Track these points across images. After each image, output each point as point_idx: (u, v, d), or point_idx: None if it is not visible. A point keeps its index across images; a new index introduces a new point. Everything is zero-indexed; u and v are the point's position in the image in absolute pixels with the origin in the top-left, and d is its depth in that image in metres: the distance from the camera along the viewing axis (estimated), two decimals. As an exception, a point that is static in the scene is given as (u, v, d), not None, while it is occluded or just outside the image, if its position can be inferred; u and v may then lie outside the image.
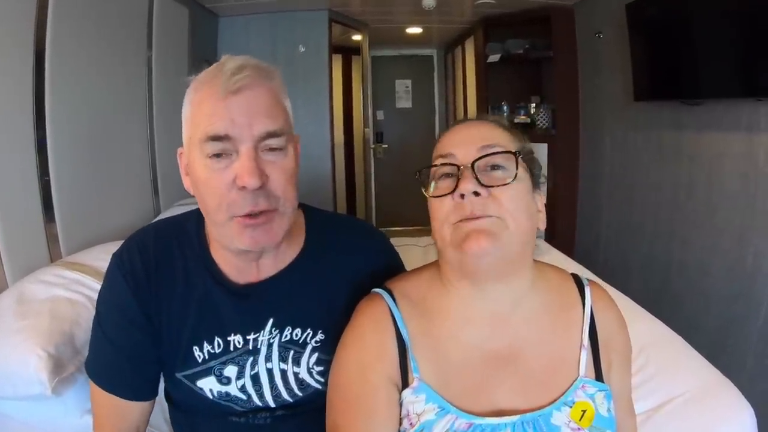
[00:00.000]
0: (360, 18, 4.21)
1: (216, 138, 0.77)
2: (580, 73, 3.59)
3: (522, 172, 0.78)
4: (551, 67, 3.71)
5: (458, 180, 0.75)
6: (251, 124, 0.78)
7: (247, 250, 0.83)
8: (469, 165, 0.75)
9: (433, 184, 0.80)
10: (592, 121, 3.49)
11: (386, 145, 5.79)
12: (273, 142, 0.80)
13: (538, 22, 3.67)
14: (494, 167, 0.77)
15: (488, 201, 0.74)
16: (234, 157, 0.78)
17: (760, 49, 1.90)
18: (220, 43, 3.52)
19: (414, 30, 4.81)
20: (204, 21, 3.24)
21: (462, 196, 0.74)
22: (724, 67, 2.10)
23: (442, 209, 0.77)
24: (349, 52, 5.27)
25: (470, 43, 4.51)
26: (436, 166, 0.80)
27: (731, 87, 2.10)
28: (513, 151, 0.77)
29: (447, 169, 0.78)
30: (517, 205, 0.75)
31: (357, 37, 4.64)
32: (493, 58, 3.92)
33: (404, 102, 6.10)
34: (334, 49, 3.97)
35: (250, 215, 0.79)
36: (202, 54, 3.10)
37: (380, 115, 5.96)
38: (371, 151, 5.17)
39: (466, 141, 0.79)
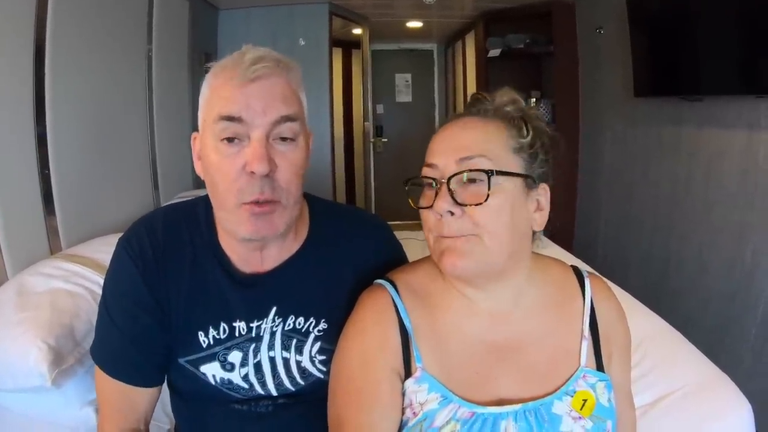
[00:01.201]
0: (360, 11, 4.20)
1: (229, 118, 0.79)
2: (581, 68, 3.58)
3: (505, 185, 0.76)
4: (551, 62, 3.71)
5: (436, 194, 0.76)
6: (265, 110, 0.79)
7: (249, 238, 0.84)
8: (444, 181, 0.75)
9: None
10: (592, 116, 3.49)
11: (386, 139, 5.78)
12: (286, 128, 0.81)
13: (539, 17, 3.66)
14: (472, 180, 0.75)
15: (463, 219, 0.74)
16: (246, 143, 0.80)
17: (761, 46, 1.90)
18: (220, 36, 3.51)
19: (414, 24, 4.79)
20: (204, 14, 3.23)
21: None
22: (724, 64, 2.10)
23: (428, 220, 0.79)
24: (349, 45, 5.26)
25: (471, 38, 4.50)
26: (421, 178, 0.80)
27: (732, 84, 2.10)
28: (486, 169, 0.75)
29: (430, 180, 0.79)
30: (495, 220, 0.74)
31: (357, 31, 4.63)
32: (494, 52, 3.91)
33: (404, 96, 6.09)
34: (335, 42, 3.96)
35: (257, 203, 0.80)
36: (202, 47, 3.09)
37: (380, 109, 5.95)
38: (371, 145, 5.17)
39: (447, 150, 0.78)
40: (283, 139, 0.82)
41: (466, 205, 0.74)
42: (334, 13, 3.79)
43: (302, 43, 3.62)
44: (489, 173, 0.74)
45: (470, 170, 0.75)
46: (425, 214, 0.78)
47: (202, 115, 0.85)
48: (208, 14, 3.34)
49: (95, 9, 1.87)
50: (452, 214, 0.75)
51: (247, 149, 0.79)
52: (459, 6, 3.98)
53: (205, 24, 3.27)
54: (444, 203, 0.74)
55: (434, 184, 0.77)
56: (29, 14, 1.54)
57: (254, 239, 0.84)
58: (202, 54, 3.08)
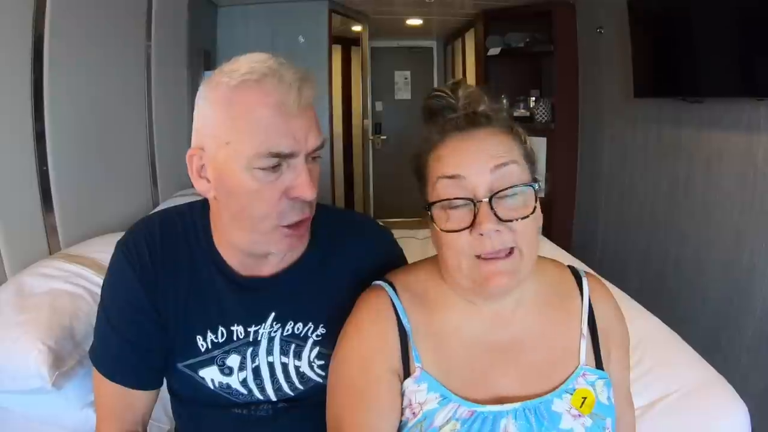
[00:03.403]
0: (360, 9, 4.19)
1: (279, 155, 0.76)
2: (580, 68, 3.58)
3: (532, 193, 0.75)
4: (551, 62, 3.70)
5: (475, 215, 0.72)
6: (307, 138, 0.78)
7: (280, 253, 0.86)
8: (487, 201, 0.72)
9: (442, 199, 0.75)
10: (592, 116, 3.49)
11: (385, 137, 5.78)
12: (318, 152, 0.82)
13: (539, 16, 3.66)
14: (510, 194, 0.73)
15: (504, 234, 0.73)
16: (284, 167, 0.78)
17: (761, 48, 1.90)
18: (219, 33, 3.50)
19: (414, 21, 4.78)
20: (203, 11, 3.21)
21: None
22: (724, 66, 2.09)
23: (458, 242, 0.73)
24: (348, 42, 5.25)
25: (470, 36, 4.49)
26: (448, 200, 0.74)
27: (732, 86, 2.09)
28: (531, 184, 0.74)
29: (459, 201, 0.74)
30: (532, 231, 0.74)
31: (357, 28, 4.62)
32: (494, 51, 3.91)
33: (403, 93, 6.08)
34: (334, 39, 3.95)
35: (295, 224, 0.81)
36: (201, 44, 3.08)
37: (379, 106, 5.94)
38: (370, 142, 5.17)
39: (476, 159, 0.74)
40: (314, 158, 0.82)
41: (510, 221, 0.72)
42: (333, 10, 3.78)
43: (301, 40, 3.60)
44: (533, 186, 0.74)
45: (515, 186, 0.73)
46: (455, 237, 0.73)
47: (223, 137, 0.77)
48: (207, 11, 3.32)
49: (94, 5, 1.86)
50: (497, 230, 0.73)
51: (289, 175, 0.78)
52: (459, 4, 3.97)
53: (204, 21, 3.26)
54: (491, 224, 0.71)
55: (470, 204, 0.73)
56: (28, 11, 1.53)
57: (282, 253, 0.87)
58: (201, 51, 3.07)
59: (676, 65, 2.36)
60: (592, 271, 1.15)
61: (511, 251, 0.73)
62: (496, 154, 0.74)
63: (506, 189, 0.72)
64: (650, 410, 1.24)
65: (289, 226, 0.81)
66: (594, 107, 3.45)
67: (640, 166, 2.96)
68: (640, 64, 2.65)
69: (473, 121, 0.78)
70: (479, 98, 0.80)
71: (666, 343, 1.46)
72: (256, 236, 0.83)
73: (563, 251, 2.24)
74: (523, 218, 0.72)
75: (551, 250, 2.16)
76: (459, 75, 5.09)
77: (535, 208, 0.74)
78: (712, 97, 2.28)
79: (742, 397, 1.22)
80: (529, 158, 0.79)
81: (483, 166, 0.73)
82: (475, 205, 0.72)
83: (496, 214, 0.71)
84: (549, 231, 3.33)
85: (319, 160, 0.84)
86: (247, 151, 0.76)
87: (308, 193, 0.78)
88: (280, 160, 0.77)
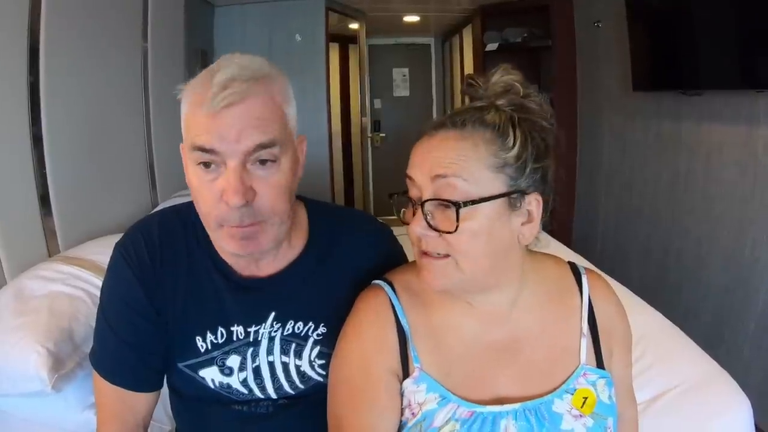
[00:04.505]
0: (357, 6, 4.18)
1: (202, 150, 0.76)
2: (579, 62, 3.57)
3: (481, 208, 0.72)
4: (549, 56, 3.69)
5: (413, 215, 0.75)
6: (239, 138, 0.75)
7: (236, 254, 0.84)
8: (419, 205, 0.74)
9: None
10: (591, 110, 3.48)
11: (384, 134, 5.78)
12: (264, 154, 0.77)
13: (537, 10, 3.65)
14: (446, 205, 0.72)
15: (439, 240, 0.73)
16: (222, 169, 0.77)
17: (761, 40, 1.89)
18: (216, 33, 3.50)
19: (411, 18, 4.78)
20: (199, 11, 3.21)
21: None
22: (724, 58, 2.09)
23: (411, 234, 0.77)
24: (346, 40, 5.24)
25: (468, 32, 4.49)
26: (396, 194, 0.80)
27: (731, 78, 2.09)
28: (453, 200, 0.71)
29: (404, 198, 0.78)
30: (469, 245, 0.72)
31: (354, 26, 4.62)
32: (491, 46, 3.90)
33: (402, 90, 6.07)
34: (331, 37, 3.94)
35: (238, 226, 0.79)
36: (198, 44, 3.08)
37: (377, 103, 5.93)
38: (369, 140, 5.17)
39: (423, 165, 0.75)
40: (263, 162, 0.77)
41: (439, 231, 0.72)
42: (330, 8, 3.78)
43: (299, 38, 3.60)
44: (457, 205, 0.71)
45: (438, 199, 0.72)
46: (408, 228, 0.76)
47: (183, 132, 0.81)
48: (203, 11, 3.32)
49: (90, 7, 1.85)
50: (428, 235, 0.74)
51: (223, 178, 0.76)
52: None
53: (201, 21, 3.25)
54: (418, 227, 0.73)
55: (412, 204, 0.77)
56: (23, 13, 1.52)
57: (242, 256, 0.84)
58: (199, 51, 3.06)
59: (675, 58, 2.35)
60: (593, 267, 1.15)
61: (446, 255, 0.74)
62: (440, 164, 0.73)
63: (432, 200, 0.73)
64: (652, 405, 1.23)
65: (233, 226, 0.79)
66: (593, 101, 3.44)
67: (640, 160, 2.95)
68: (639, 58, 2.65)
69: (443, 123, 0.77)
70: (505, 89, 0.78)
71: (668, 338, 1.45)
72: (210, 233, 0.84)
73: (565, 247, 2.23)
74: (447, 232, 0.72)
75: (556, 247, 2.14)
76: (457, 71, 5.08)
77: (457, 226, 0.71)
78: (711, 90, 2.27)
79: (744, 390, 1.22)
80: (509, 165, 0.74)
81: (426, 173, 0.74)
82: (414, 206, 0.76)
83: (427, 220, 0.73)
84: (549, 226, 3.33)
85: (273, 167, 0.78)
86: (186, 145, 0.79)
87: (230, 197, 0.75)
88: (210, 156, 0.76)
